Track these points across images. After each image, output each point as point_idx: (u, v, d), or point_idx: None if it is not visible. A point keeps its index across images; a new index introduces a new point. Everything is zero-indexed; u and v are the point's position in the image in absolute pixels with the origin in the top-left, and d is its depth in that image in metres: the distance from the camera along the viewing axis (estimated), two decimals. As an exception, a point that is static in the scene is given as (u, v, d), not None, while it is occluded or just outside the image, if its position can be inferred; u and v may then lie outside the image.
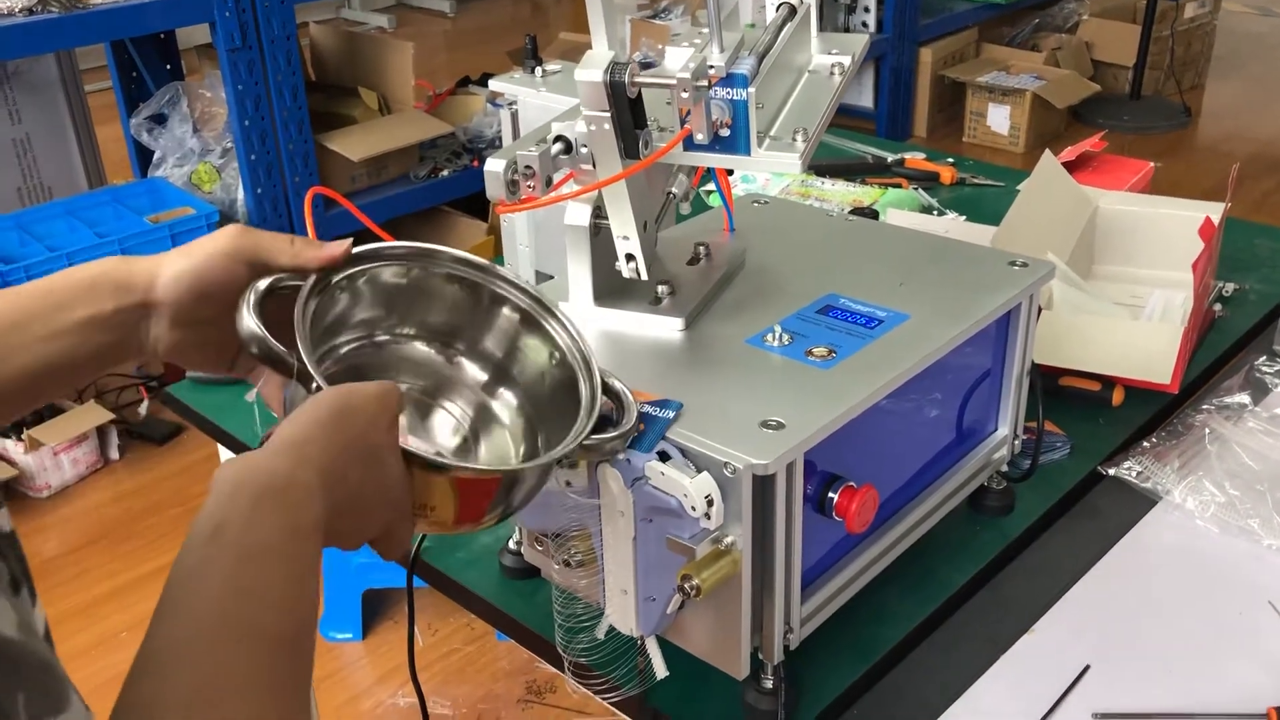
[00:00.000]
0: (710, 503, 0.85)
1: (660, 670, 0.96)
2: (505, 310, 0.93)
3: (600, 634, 0.99)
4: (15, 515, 3.05)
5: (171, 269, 0.81)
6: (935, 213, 1.86)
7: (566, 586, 0.99)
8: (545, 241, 1.55)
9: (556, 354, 0.92)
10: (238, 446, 1.44)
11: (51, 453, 2.76)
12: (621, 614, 0.93)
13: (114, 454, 2.92)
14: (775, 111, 1.03)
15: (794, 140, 0.98)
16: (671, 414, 0.89)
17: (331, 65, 3.49)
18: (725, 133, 0.97)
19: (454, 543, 1.22)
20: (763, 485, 0.88)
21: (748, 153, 0.98)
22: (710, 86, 0.93)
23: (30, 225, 2.79)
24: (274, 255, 0.83)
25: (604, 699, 1.00)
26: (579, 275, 1.07)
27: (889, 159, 2.12)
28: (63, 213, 2.85)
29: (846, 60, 1.09)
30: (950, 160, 2.12)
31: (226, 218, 2.98)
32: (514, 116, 1.47)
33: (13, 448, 2.74)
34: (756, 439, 0.87)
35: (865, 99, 4.75)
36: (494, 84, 1.45)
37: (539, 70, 1.43)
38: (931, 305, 1.07)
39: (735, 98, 0.95)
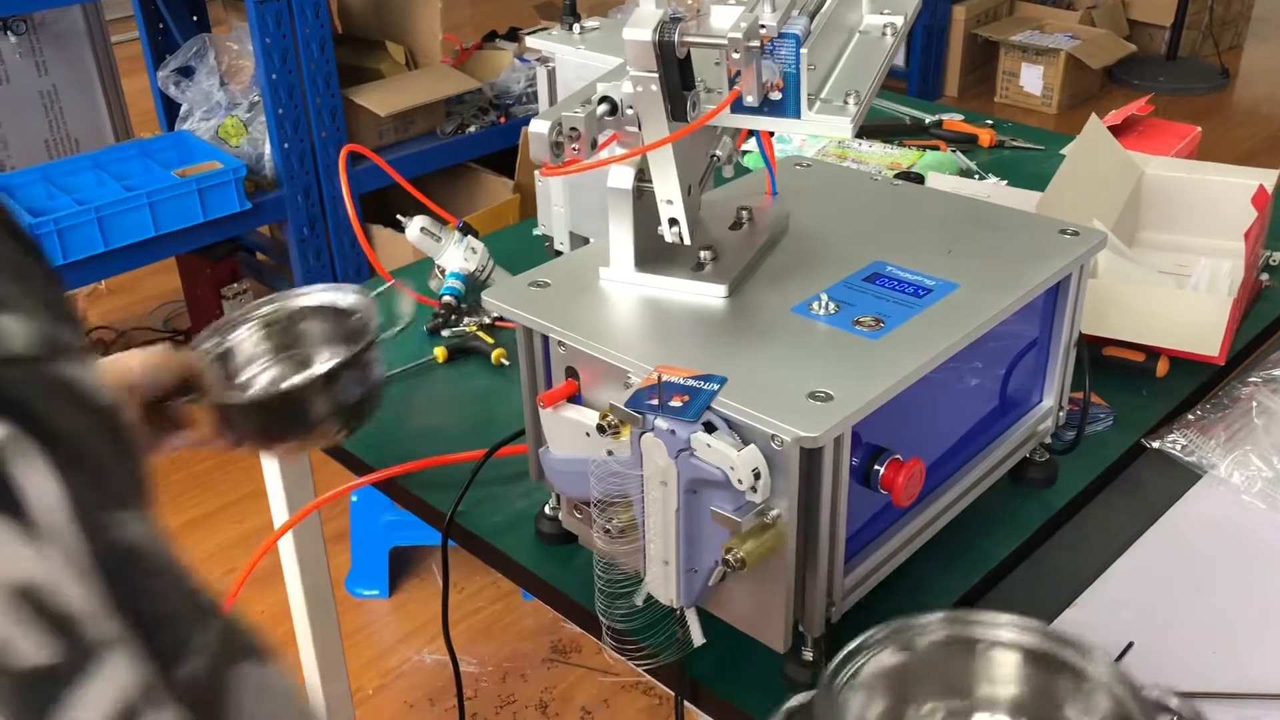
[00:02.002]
0: (757, 475, 0.83)
1: (698, 638, 0.95)
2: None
3: (639, 601, 0.98)
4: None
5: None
6: (975, 176, 1.83)
7: (607, 554, 0.98)
8: (581, 203, 1.52)
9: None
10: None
11: (80, 406, 2.77)
12: (662, 584, 0.92)
13: (141, 407, 2.92)
14: (826, 73, 1.00)
15: (845, 103, 0.95)
16: (716, 386, 0.87)
17: (358, 18, 3.45)
18: (776, 95, 0.95)
19: (490, 507, 1.21)
20: (810, 458, 0.86)
21: (798, 115, 0.95)
22: (761, 47, 0.90)
23: (58, 178, 2.78)
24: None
25: (641, 666, 0.99)
26: (620, 239, 1.05)
27: (927, 120, 2.08)
28: (90, 166, 2.84)
29: (899, 20, 1.06)
30: (989, 122, 2.08)
31: (253, 171, 2.96)
32: (551, 75, 1.44)
33: (41, 400, 2.74)
34: (804, 411, 0.85)
35: (896, 57, 4.68)
36: (530, 41, 1.43)
37: (577, 27, 1.40)
38: (981, 274, 1.04)
39: (787, 58, 0.92)
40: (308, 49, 2.86)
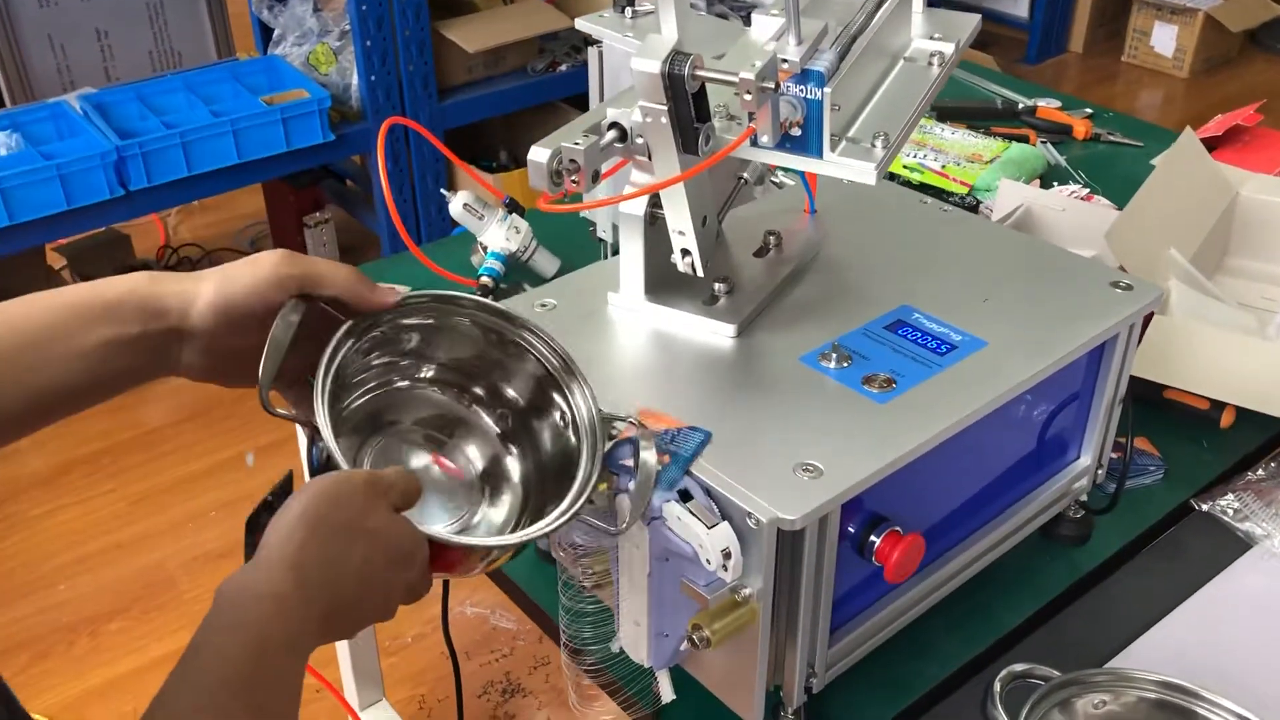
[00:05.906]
0: (728, 555, 0.79)
1: (667, 695, 0.92)
2: (528, 365, 0.86)
3: (614, 648, 0.95)
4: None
5: (208, 298, 0.76)
6: (1055, 184, 1.70)
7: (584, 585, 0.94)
8: (626, 190, 1.46)
9: (566, 421, 0.85)
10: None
11: (160, 326, 2.82)
12: (633, 644, 0.89)
13: (220, 331, 2.97)
14: (858, 107, 0.92)
15: (873, 146, 0.88)
16: (700, 439, 0.82)
17: (457, -54, 3.39)
18: (796, 132, 0.88)
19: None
20: (790, 536, 0.81)
21: (820, 155, 0.88)
22: (778, 87, 0.83)
23: (150, 98, 2.81)
24: (324, 285, 0.77)
25: (612, 713, 0.97)
26: (631, 265, 0.99)
27: (1019, 105, 1.95)
28: (182, 86, 2.86)
29: (949, 49, 0.97)
30: (1089, 112, 1.94)
31: (340, 101, 2.95)
32: (600, 58, 1.38)
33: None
34: (787, 486, 0.80)
35: (1020, 8, 4.44)
36: (580, 24, 1.36)
37: (629, 11, 1.33)
38: (1015, 331, 0.97)
39: (809, 96, 0.85)
40: (399, -20, 2.82)
